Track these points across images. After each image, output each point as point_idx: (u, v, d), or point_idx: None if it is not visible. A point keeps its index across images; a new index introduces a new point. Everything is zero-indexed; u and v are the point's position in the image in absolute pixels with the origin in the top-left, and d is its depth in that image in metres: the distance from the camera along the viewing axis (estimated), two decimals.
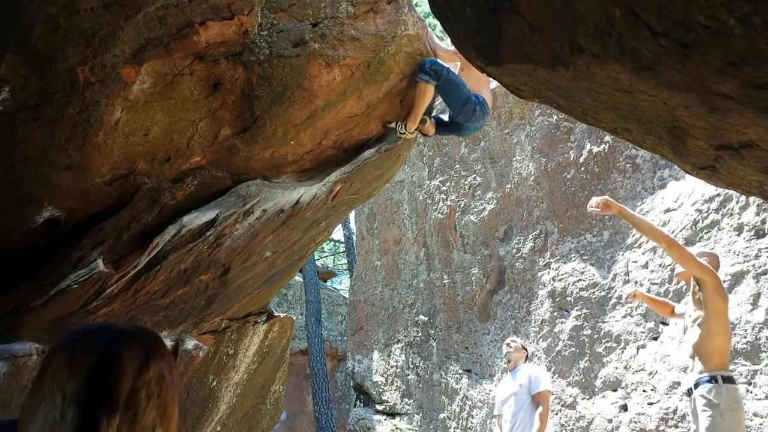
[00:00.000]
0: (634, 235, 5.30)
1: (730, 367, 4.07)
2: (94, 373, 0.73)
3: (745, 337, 4.09)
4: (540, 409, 4.07)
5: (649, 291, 4.92)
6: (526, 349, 4.58)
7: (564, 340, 5.75)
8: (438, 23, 3.63)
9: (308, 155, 3.41)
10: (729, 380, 3.11)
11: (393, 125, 3.74)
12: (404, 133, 3.77)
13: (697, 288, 3.29)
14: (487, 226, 7.11)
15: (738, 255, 4.26)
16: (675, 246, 3.30)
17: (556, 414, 5.61)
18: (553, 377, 5.67)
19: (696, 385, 3.16)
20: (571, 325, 5.70)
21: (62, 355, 0.75)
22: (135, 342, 0.79)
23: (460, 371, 7.26)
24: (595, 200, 3.50)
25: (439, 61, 3.64)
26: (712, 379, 3.08)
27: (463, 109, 3.81)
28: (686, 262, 3.27)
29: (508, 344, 4.56)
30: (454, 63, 3.84)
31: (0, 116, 2.04)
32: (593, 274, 5.62)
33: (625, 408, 5.05)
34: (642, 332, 5.01)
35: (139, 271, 3.10)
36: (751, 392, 4.00)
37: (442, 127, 4.13)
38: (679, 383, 4.48)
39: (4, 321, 2.81)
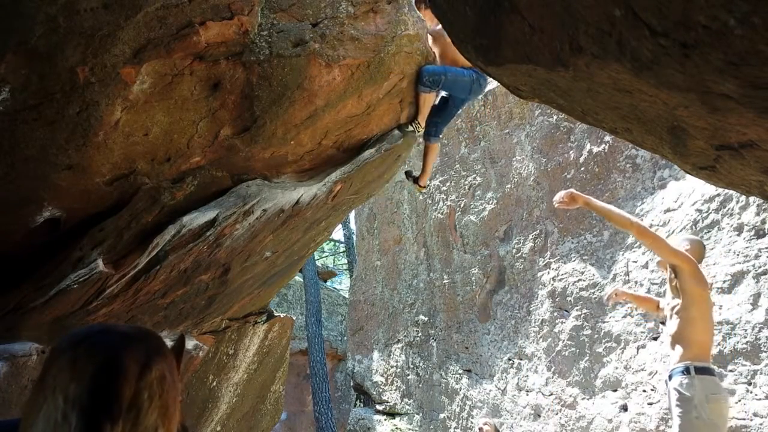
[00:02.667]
0: (633, 235, 5.30)
1: (730, 367, 4.07)
2: (97, 380, 0.73)
3: (745, 337, 4.09)
4: None
5: (648, 291, 4.92)
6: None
7: (564, 340, 5.75)
8: None
9: (308, 155, 3.41)
10: (704, 371, 2.91)
11: (410, 128, 4.02)
12: (420, 132, 4.10)
13: (673, 275, 3.14)
14: (487, 226, 7.11)
15: (738, 255, 4.26)
16: (646, 233, 3.15)
17: (556, 414, 5.60)
18: (553, 377, 5.67)
19: (670, 377, 3.00)
20: (571, 325, 5.70)
21: (64, 357, 0.76)
22: (136, 344, 0.79)
23: (460, 371, 7.26)
24: (559, 195, 3.36)
25: (435, 67, 3.77)
26: (685, 371, 2.91)
27: (471, 91, 4.04)
28: (659, 249, 3.13)
29: (481, 429, 4.53)
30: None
31: (0, 116, 2.04)
32: (593, 274, 5.62)
33: (625, 408, 5.05)
34: (642, 332, 5.01)
35: (139, 271, 3.10)
36: (751, 392, 4.00)
37: (443, 117, 4.24)
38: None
39: (4, 321, 2.81)
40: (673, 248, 3.11)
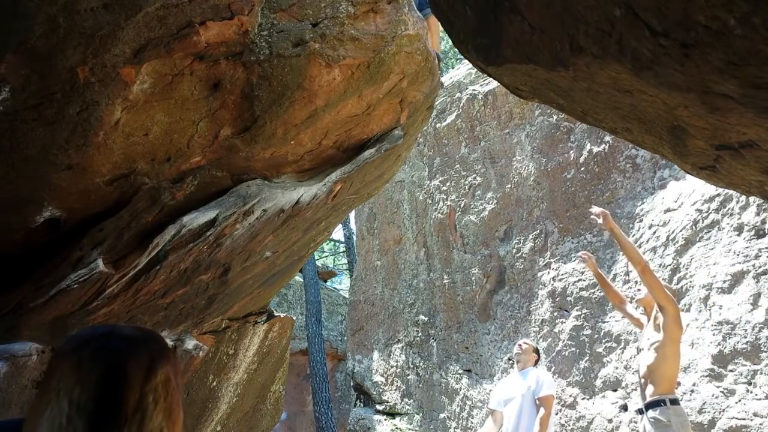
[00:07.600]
0: (633, 235, 5.30)
1: (730, 367, 4.09)
2: (102, 387, 0.74)
3: (745, 337, 4.09)
4: (542, 412, 4.09)
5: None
6: (538, 353, 4.64)
7: (564, 340, 5.75)
8: None
9: (308, 155, 3.41)
10: (675, 402, 3.54)
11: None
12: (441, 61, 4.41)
13: (659, 314, 3.64)
14: (487, 226, 7.11)
15: (738, 255, 4.26)
16: (648, 273, 3.65)
17: (556, 414, 5.60)
18: (553, 377, 5.67)
19: (647, 407, 3.56)
20: (571, 325, 5.70)
21: (68, 361, 0.76)
22: (141, 348, 0.79)
23: (460, 371, 7.26)
24: (598, 209, 3.92)
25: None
26: (662, 403, 3.49)
27: None
28: (655, 290, 3.63)
29: (519, 345, 4.60)
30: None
31: (0, 116, 2.04)
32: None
33: (625, 408, 5.05)
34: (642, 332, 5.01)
35: (139, 271, 3.10)
36: (751, 392, 4.00)
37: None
38: (679, 383, 4.48)
39: (4, 321, 2.81)
40: (667, 293, 3.64)
